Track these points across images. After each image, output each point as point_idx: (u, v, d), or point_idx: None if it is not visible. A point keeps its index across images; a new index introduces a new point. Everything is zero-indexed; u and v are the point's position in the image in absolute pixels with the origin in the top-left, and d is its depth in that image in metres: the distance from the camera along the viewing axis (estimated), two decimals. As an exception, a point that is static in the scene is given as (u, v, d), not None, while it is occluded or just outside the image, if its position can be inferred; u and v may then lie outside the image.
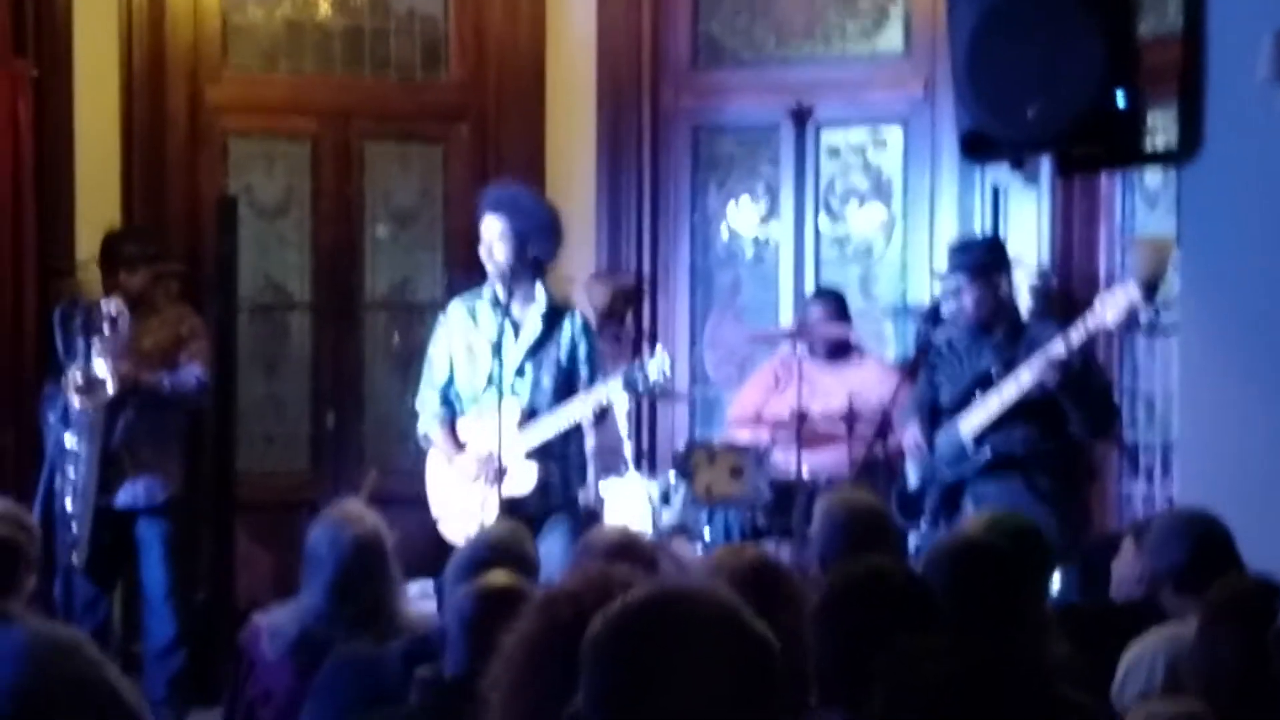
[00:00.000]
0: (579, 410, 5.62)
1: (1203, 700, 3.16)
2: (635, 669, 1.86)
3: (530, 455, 5.69)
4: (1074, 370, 5.52)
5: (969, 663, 2.21)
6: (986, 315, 5.82)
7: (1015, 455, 5.74)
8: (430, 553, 5.92)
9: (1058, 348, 5.48)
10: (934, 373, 6.05)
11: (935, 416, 5.96)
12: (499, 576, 3.40)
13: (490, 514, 5.58)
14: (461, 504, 5.80)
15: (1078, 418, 5.64)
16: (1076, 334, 5.50)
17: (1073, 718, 2.79)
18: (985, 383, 5.78)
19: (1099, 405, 5.75)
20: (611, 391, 5.59)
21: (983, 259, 5.93)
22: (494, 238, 5.70)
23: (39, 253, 6.50)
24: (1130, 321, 5.72)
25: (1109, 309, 5.47)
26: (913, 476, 6.01)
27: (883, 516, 4.57)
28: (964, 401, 5.85)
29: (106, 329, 5.93)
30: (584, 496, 6.15)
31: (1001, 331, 5.86)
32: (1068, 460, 5.87)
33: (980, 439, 5.76)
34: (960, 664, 2.21)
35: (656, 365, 5.57)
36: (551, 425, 5.66)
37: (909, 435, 5.97)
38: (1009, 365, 5.74)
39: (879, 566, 2.85)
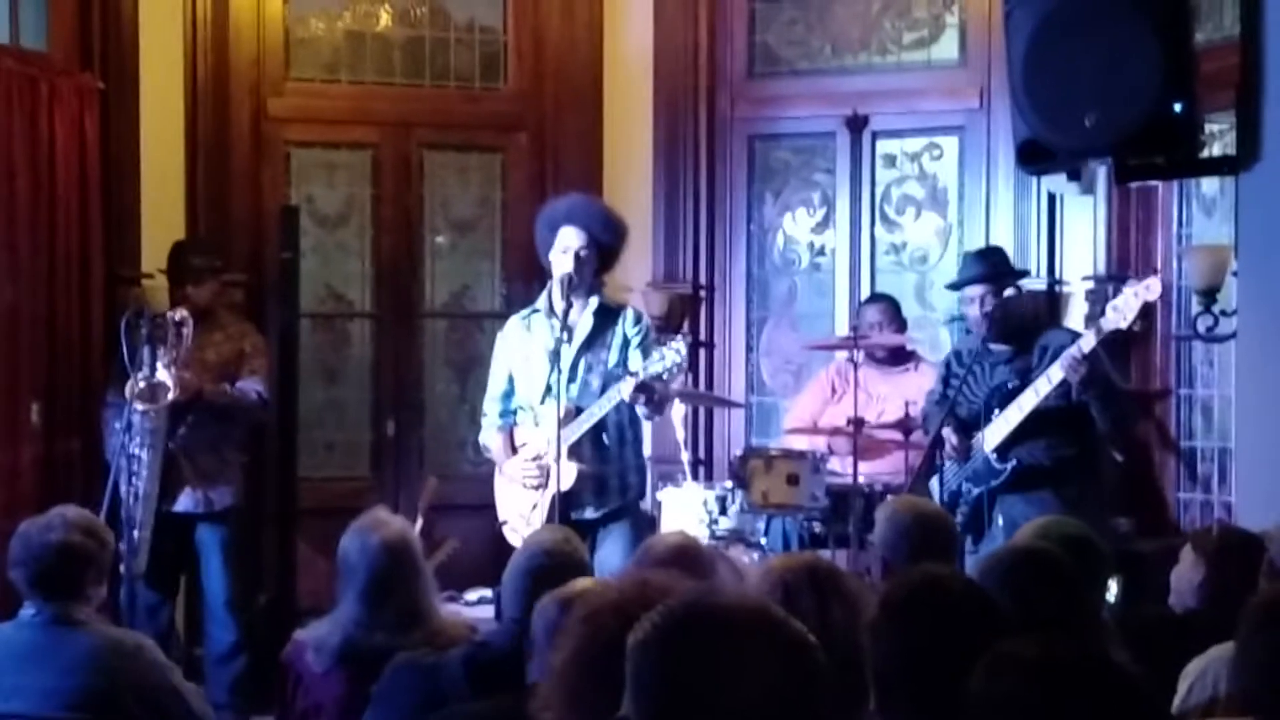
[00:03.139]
0: (604, 404, 5.65)
1: (1255, 712, 3.16)
2: (678, 673, 1.89)
3: (585, 458, 5.72)
4: (1098, 368, 5.57)
5: (1062, 654, 2.23)
6: (1002, 322, 5.86)
7: (1042, 466, 5.76)
8: (490, 559, 5.98)
9: (1084, 342, 5.51)
10: (944, 385, 6.09)
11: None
12: (583, 583, 3.44)
13: (539, 518, 5.62)
14: (516, 509, 5.84)
15: (1106, 416, 5.71)
16: (1099, 332, 5.55)
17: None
18: (1003, 396, 5.79)
19: (1124, 401, 5.79)
20: (623, 386, 5.61)
21: (998, 267, 5.97)
22: (575, 247, 5.75)
23: (105, 263, 6.59)
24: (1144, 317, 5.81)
25: (1124, 310, 5.50)
26: (937, 492, 6.00)
27: (947, 523, 4.59)
28: (982, 416, 5.86)
29: (172, 336, 6.02)
30: (645, 501, 6.17)
31: (1015, 343, 5.89)
32: (1090, 465, 5.88)
33: (1004, 452, 5.77)
34: (1054, 654, 2.23)
35: (663, 357, 5.56)
36: (583, 422, 5.69)
37: (944, 435, 5.98)
38: (1024, 376, 5.77)
39: (936, 575, 2.85)
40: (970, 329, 6.16)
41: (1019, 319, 5.95)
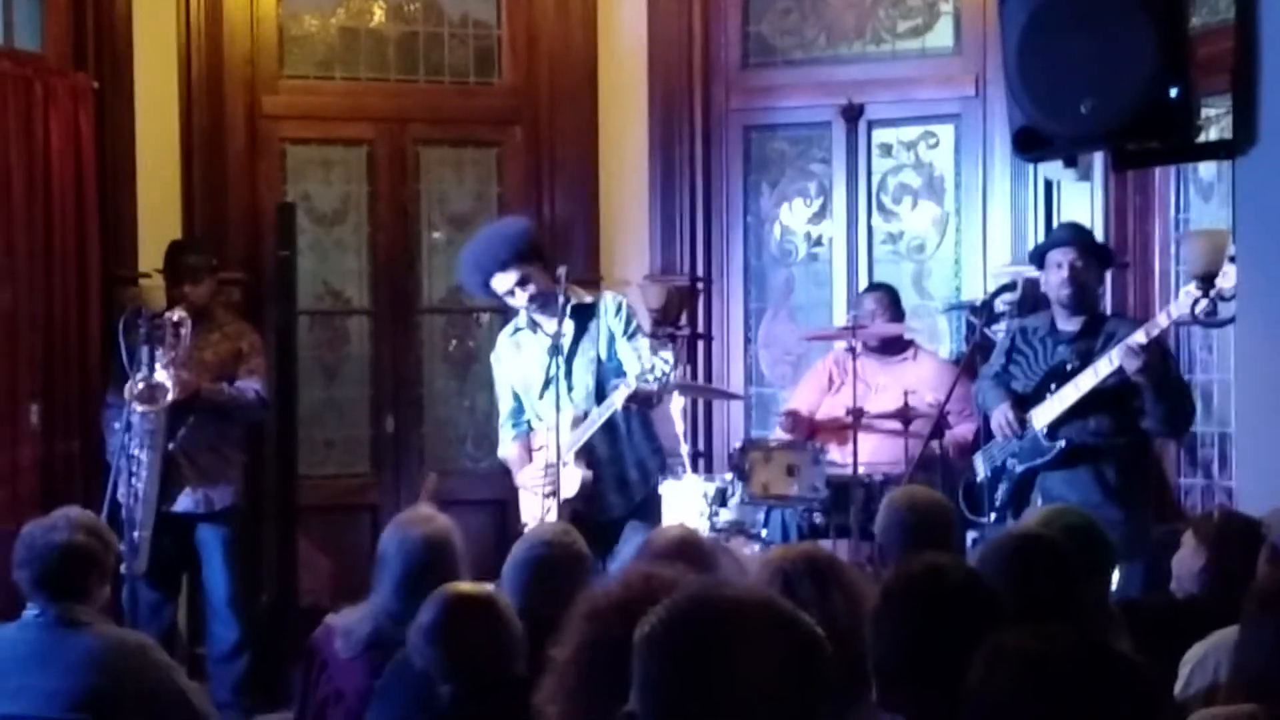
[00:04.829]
0: (603, 411, 5.67)
1: (1258, 697, 3.16)
2: (684, 666, 1.90)
3: (601, 459, 5.73)
4: (1155, 361, 5.56)
5: (1061, 644, 2.23)
6: (1085, 290, 5.84)
7: (1088, 446, 5.77)
8: (491, 554, 5.99)
9: (1140, 334, 5.53)
10: (1008, 360, 6.07)
11: None
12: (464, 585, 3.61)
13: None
14: (536, 514, 5.86)
15: (1157, 411, 5.67)
16: (1160, 323, 5.58)
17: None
18: (1060, 375, 5.80)
19: (1178, 399, 5.78)
20: (616, 396, 5.63)
21: (1087, 236, 6.00)
22: (515, 283, 5.78)
23: (102, 263, 6.59)
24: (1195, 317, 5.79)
25: (1187, 302, 5.52)
26: (981, 468, 6.02)
27: (948, 512, 4.59)
28: (1038, 393, 5.86)
29: (170, 336, 6.02)
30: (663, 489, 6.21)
31: (1081, 323, 5.87)
32: (1137, 455, 5.89)
33: (1054, 431, 5.78)
34: (1052, 645, 2.22)
35: (653, 368, 5.54)
36: (585, 429, 5.72)
37: (999, 413, 5.95)
38: (1085, 358, 5.77)
39: (936, 564, 2.85)
40: (1049, 294, 6.04)
41: (1096, 295, 5.94)
